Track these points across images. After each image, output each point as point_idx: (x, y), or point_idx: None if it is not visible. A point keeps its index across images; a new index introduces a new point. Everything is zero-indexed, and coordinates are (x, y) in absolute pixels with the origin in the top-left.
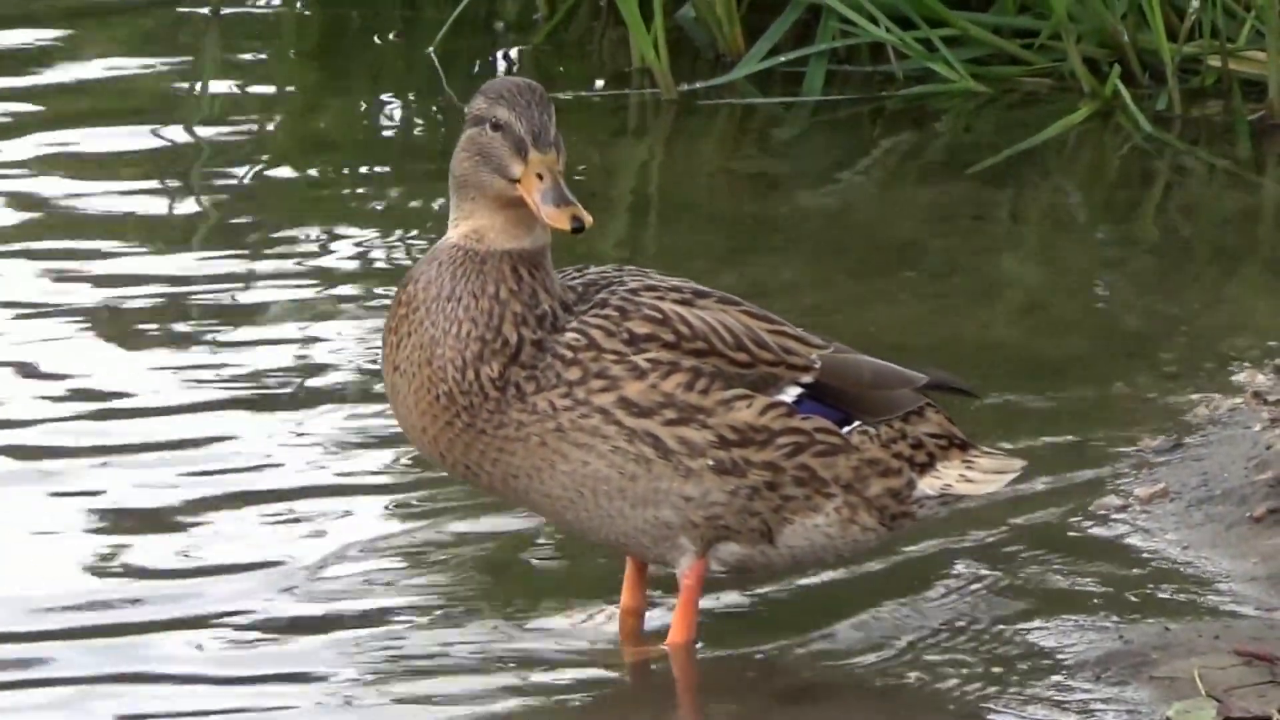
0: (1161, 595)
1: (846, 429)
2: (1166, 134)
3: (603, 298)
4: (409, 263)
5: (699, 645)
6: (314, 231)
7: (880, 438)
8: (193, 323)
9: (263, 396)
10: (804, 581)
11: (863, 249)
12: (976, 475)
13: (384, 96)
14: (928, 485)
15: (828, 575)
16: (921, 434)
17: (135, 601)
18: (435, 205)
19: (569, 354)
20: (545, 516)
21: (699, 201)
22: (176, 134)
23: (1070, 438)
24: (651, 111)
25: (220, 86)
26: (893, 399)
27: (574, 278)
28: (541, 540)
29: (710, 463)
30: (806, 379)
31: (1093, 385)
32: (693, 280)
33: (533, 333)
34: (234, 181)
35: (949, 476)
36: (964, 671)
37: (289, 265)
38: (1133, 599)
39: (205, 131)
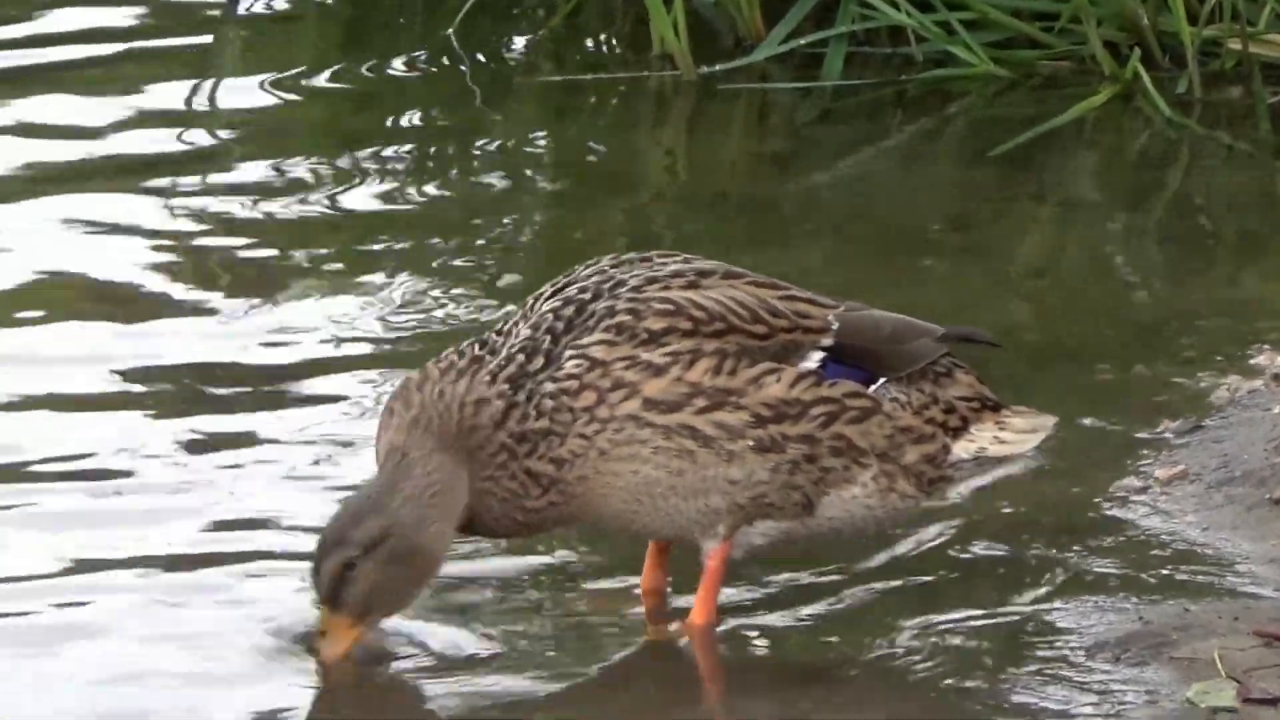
0: (1181, 576)
1: (872, 388)
2: (1186, 117)
3: (607, 306)
4: (430, 240)
5: (719, 626)
6: (335, 219)
7: (913, 404)
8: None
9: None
10: (823, 564)
11: (881, 233)
12: (1010, 436)
13: (403, 78)
14: (962, 449)
15: (846, 557)
16: (953, 397)
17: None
18: (449, 184)
19: (574, 384)
20: (613, 532)
21: (718, 185)
22: (194, 121)
23: (1090, 420)
24: (671, 94)
25: (239, 69)
26: (913, 351)
27: (557, 304)
28: None
29: (750, 443)
30: (826, 341)
31: (1112, 367)
32: (691, 256)
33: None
34: (250, 163)
35: (983, 439)
36: (983, 652)
37: (315, 255)
38: (1152, 580)
39: (223, 108)
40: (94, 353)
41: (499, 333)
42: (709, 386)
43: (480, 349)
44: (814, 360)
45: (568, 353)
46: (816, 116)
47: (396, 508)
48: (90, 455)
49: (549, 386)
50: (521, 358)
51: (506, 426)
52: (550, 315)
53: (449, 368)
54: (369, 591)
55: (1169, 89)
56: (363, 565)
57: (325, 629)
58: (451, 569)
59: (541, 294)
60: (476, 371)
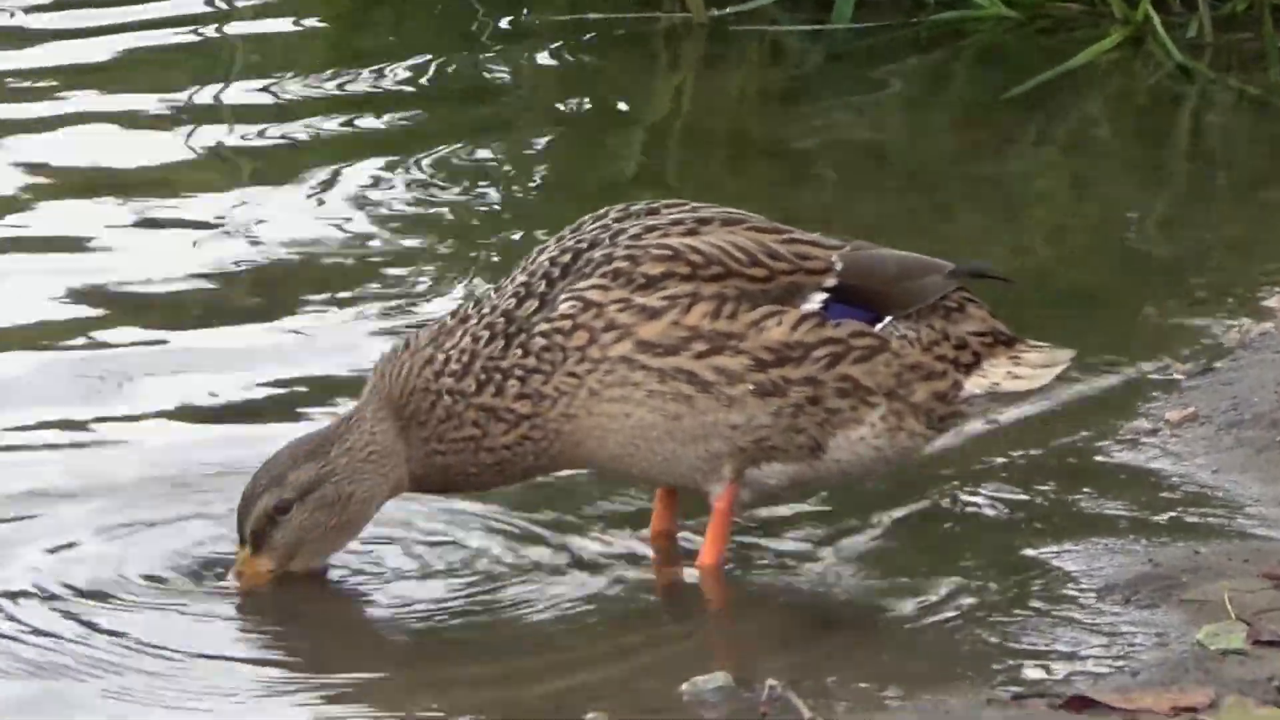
0: (1191, 519)
1: (878, 326)
2: (1197, 61)
3: (604, 253)
4: (443, 192)
5: (728, 568)
6: (345, 167)
7: (922, 341)
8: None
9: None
10: (833, 510)
11: (892, 175)
12: (1024, 371)
13: (414, 21)
14: (975, 385)
15: (855, 499)
16: (965, 333)
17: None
18: (457, 126)
19: (568, 324)
20: (617, 477)
21: (728, 128)
22: (203, 72)
23: (1100, 362)
24: (681, 36)
25: (248, 10)
26: (920, 288)
27: (555, 253)
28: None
29: (751, 387)
30: (830, 282)
31: (1123, 310)
32: (699, 205)
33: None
34: (263, 107)
35: (996, 374)
36: (993, 596)
37: (326, 208)
38: (1162, 522)
39: (232, 60)
40: None
41: (497, 290)
42: (708, 330)
43: (473, 308)
44: (816, 301)
45: (563, 295)
46: (827, 59)
47: (336, 456)
48: None
49: (542, 326)
50: (513, 302)
51: (442, 381)
52: (547, 263)
53: (438, 330)
54: (298, 537)
55: (1180, 33)
56: (297, 509)
57: (241, 570)
58: (449, 529)
59: (544, 247)
60: (454, 333)
